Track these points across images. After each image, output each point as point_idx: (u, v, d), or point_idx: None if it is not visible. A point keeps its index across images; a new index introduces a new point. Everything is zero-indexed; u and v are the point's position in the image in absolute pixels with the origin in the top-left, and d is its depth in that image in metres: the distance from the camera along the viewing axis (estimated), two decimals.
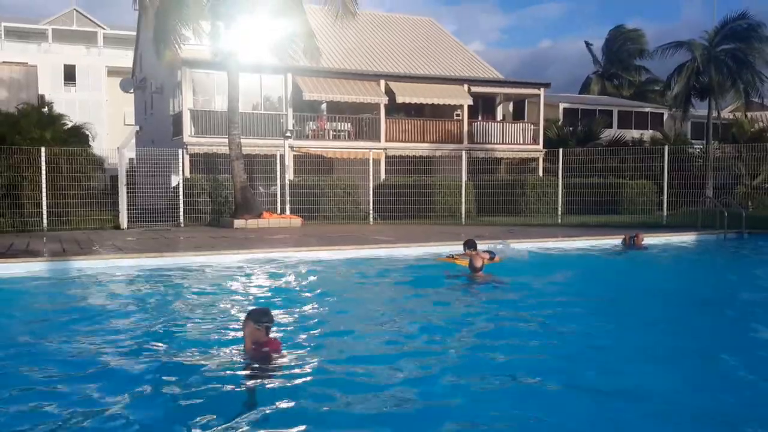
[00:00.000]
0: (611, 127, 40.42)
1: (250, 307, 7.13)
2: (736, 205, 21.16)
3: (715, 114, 34.23)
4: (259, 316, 5.89)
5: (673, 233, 17.89)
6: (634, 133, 40.93)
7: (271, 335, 6.06)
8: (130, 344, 6.96)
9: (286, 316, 8.41)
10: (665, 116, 43.83)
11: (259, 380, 5.62)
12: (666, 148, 22.42)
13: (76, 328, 7.73)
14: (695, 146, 33.01)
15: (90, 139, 22.78)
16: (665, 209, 21.57)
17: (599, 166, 24.04)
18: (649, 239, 16.15)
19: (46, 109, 22.03)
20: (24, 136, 19.59)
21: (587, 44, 58.00)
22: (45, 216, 18.71)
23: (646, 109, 45.24)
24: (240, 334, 6.10)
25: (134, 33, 37.31)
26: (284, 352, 6.11)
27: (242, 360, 5.99)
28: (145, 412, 5.00)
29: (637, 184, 24.80)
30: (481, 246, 11.95)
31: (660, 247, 16.20)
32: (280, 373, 5.74)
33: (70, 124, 22.42)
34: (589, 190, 22.82)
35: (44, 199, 18.70)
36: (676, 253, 16.10)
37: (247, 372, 5.79)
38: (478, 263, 10.16)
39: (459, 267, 10.97)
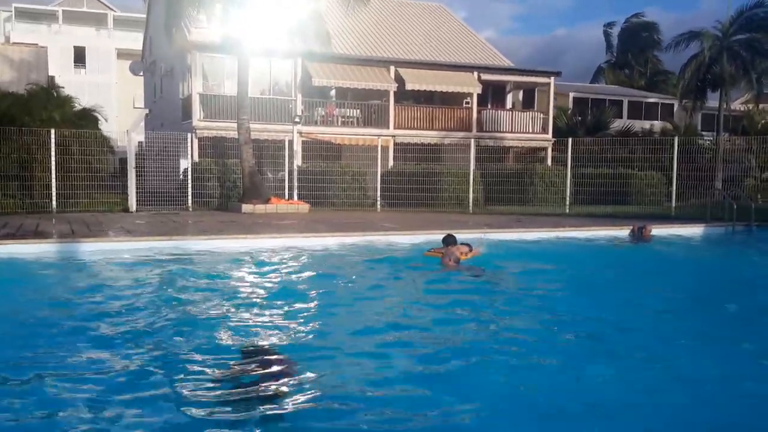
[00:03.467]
0: (621, 118, 40.25)
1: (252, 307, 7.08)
2: (745, 197, 21.06)
3: (727, 105, 33.99)
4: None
5: (681, 225, 17.82)
6: (644, 124, 40.73)
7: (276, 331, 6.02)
8: (133, 327, 7.01)
9: (291, 301, 8.46)
10: (675, 107, 43.56)
11: (261, 368, 5.64)
12: (676, 139, 22.30)
13: (82, 309, 7.81)
14: (705, 138, 32.82)
15: (100, 122, 22.83)
16: (674, 201, 21.49)
17: (608, 156, 23.93)
18: (657, 231, 16.11)
19: (54, 93, 22.07)
20: (34, 117, 19.66)
21: (605, 30, 57.48)
22: (54, 198, 18.80)
23: (657, 100, 45.00)
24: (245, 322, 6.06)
25: (144, 16, 37.24)
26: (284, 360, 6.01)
27: (245, 346, 5.97)
28: (143, 399, 5.04)
29: (646, 175, 24.70)
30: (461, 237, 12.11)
31: (668, 239, 16.15)
32: (282, 360, 5.76)
33: (79, 107, 22.48)
34: (597, 181, 22.73)
35: (54, 180, 18.78)
36: (683, 246, 16.02)
37: (250, 360, 5.81)
38: (452, 256, 10.73)
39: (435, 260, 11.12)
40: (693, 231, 17.50)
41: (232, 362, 5.79)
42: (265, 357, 5.96)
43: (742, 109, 42.08)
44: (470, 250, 11.27)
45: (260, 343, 6.62)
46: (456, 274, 10.39)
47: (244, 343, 6.47)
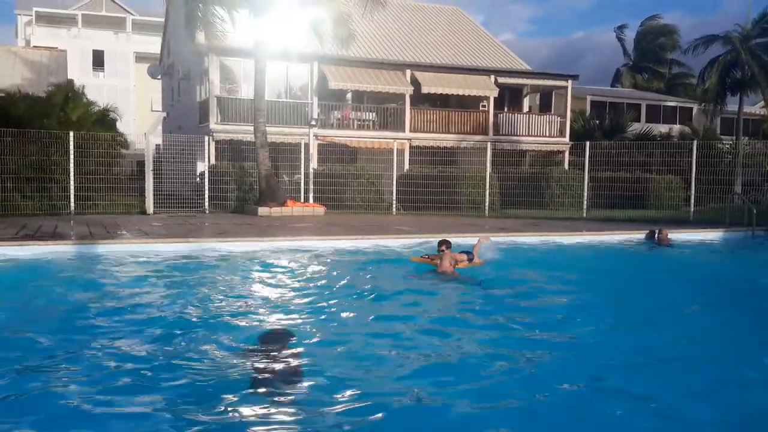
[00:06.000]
0: (639, 121, 39.98)
1: (268, 309, 6.97)
2: (765, 202, 20.80)
3: (747, 109, 33.64)
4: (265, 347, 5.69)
5: (700, 229, 17.64)
6: (662, 128, 40.43)
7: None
8: (150, 329, 7.01)
9: (305, 303, 8.44)
10: (694, 111, 43.20)
11: (273, 371, 5.63)
12: (695, 143, 22.10)
13: (98, 311, 7.82)
14: (724, 142, 32.49)
15: (117, 118, 22.99)
16: (692, 205, 21.28)
17: (626, 160, 23.76)
18: (676, 235, 15.94)
19: (70, 94, 22.28)
20: (52, 119, 19.84)
21: (617, 33, 57.19)
22: (72, 200, 18.95)
23: (675, 104, 44.67)
24: (257, 323, 6.04)
25: (162, 19, 37.51)
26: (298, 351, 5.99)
27: (260, 352, 5.93)
28: (156, 399, 5.04)
29: (665, 179, 24.48)
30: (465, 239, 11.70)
31: (686, 244, 15.96)
32: (297, 362, 5.73)
33: (96, 108, 22.68)
34: (615, 184, 22.56)
35: (72, 183, 18.93)
36: (703, 250, 15.83)
37: (264, 364, 5.78)
38: (446, 262, 10.20)
39: (431, 267, 10.58)
40: (712, 235, 17.30)
41: (248, 359, 5.80)
42: (277, 354, 5.94)
43: (762, 113, 41.66)
44: (470, 260, 10.71)
45: (272, 342, 6.58)
46: (455, 282, 9.97)
47: (259, 338, 6.45)
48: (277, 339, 5.91)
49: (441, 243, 10.68)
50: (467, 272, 10.42)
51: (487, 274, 10.50)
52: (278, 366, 5.76)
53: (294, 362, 5.80)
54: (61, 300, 8.51)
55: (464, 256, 10.73)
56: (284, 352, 5.87)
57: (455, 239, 13.75)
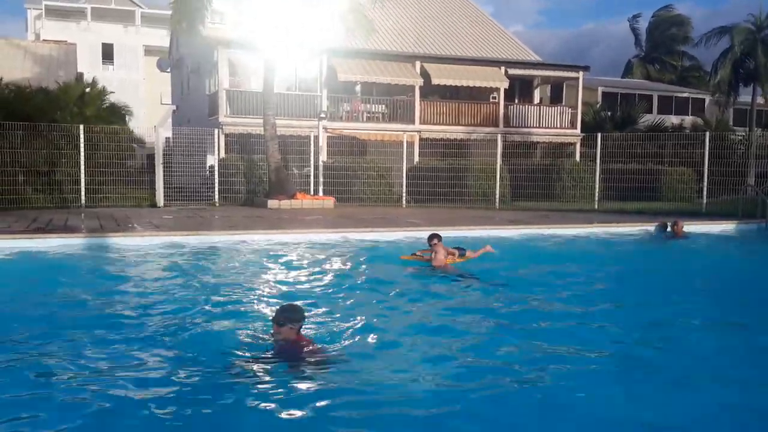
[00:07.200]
0: (651, 112, 39.67)
1: (281, 301, 6.94)
2: None
3: (761, 100, 33.35)
4: (286, 315, 5.57)
5: (712, 221, 17.50)
6: (674, 119, 40.12)
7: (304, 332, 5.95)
8: (159, 322, 7.00)
9: (314, 298, 8.40)
10: (707, 102, 42.84)
11: (287, 370, 5.59)
12: (707, 134, 21.89)
13: (108, 303, 7.84)
14: (737, 133, 32.19)
15: (128, 118, 23.05)
16: (705, 197, 21.10)
17: (638, 151, 23.57)
18: (688, 227, 15.78)
19: (89, 89, 22.32)
20: (64, 113, 19.88)
21: (631, 23, 56.68)
22: (83, 193, 18.99)
23: (687, 95, 44.31)
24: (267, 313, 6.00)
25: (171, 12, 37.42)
26: (317, 345, 5.93)
27: (271, 347, 5.88)
28: (167, 396, 4.99)
29: (677, 171, 24.27)
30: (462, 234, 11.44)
31: (700, 236, 15.82)
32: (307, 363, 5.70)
33: (109, 102, 22.72)
34: (627, 176, 22.39)
35: (83, 176, 18.96)
36: (718, 242, 15.69)
37: (276, 361, 5.75)
38: (440, 255, 9.97)
39: (421, 263, 10.36)
40: (725, 228, 17.17)
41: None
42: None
43: None
44: (461, 255, 10.53)
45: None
46: (449, 277, 9.72)
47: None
48: (295, 310, 5.84)
49: (432, 237, 10.46)
50: (460, 266, 10.24)
51: (483, 268, 10.25)
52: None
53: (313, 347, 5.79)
54: (71, 292, 8.50)
55: (455, 251, 10.58)
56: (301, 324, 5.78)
57: (464, 233, 13.77)
